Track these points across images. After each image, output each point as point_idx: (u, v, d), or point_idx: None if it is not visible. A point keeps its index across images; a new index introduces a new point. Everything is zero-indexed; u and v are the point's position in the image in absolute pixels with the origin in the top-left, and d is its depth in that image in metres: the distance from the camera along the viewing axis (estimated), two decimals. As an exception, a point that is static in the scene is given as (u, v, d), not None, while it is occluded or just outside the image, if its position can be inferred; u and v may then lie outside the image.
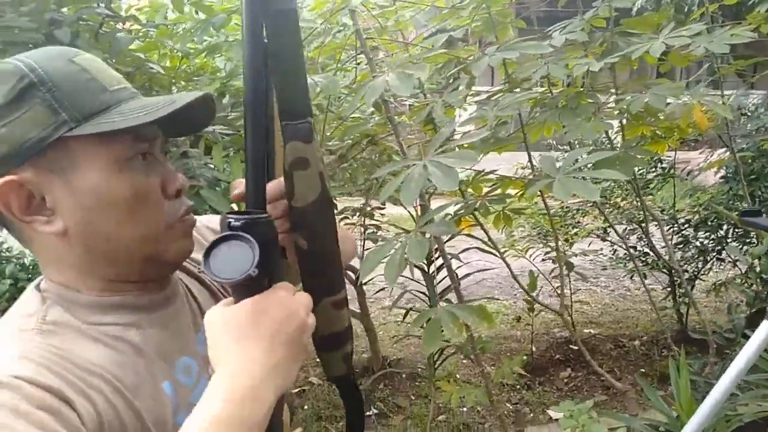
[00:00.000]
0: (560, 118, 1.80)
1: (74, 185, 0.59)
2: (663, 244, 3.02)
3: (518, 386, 2.90)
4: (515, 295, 4.34)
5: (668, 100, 1.66)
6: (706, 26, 1.60)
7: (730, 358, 1.50)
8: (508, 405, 2.77)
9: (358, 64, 1.73)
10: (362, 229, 2.90)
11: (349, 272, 2.68)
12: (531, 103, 1.97)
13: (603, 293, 4.44)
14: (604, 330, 3.61)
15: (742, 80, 3.40)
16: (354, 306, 3.04)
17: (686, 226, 3.04)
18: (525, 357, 2.89)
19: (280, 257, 0.60)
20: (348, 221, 2.70)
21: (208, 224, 0.83)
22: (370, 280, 2.66)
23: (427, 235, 1.12)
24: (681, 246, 3.13)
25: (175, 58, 1.83)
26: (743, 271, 2.96)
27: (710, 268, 3.25)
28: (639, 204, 3.22)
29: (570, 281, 3.47)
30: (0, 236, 1.04)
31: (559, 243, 3.27)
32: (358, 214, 2.67)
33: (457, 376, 2.95)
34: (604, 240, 3.51)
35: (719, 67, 2.19)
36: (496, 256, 1.93)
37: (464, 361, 3.05)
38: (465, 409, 2.65)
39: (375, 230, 2.88)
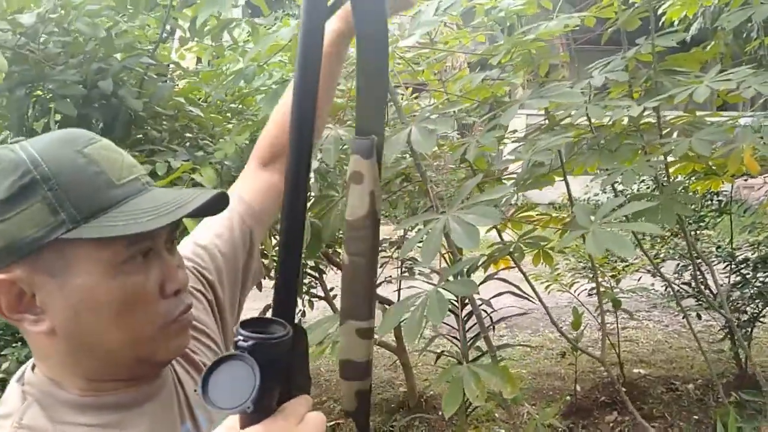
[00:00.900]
0: (600, 159, 1.74)
1: (65, 286, 0.57)
2: (720, 282, 2.86)
3: (560, 429, 2.78)
4: (563, 327, 4.20)
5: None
6: (754, 69, 1.51)
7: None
8: (549, 449, 2.66)
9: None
10: (399, 263, 2.89)
11: (385, 305, 2.67)
12: (573, 139, 1.92)
13: (656, 329, 4.23)
14: (656, 370, 3.43)
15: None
16: (390, 339, 3.01)
17: (744, 264, 2.86)
18: (561, 406, 2.77)
19: (297, 373, 0.54)
20: (384, 254, 2.69)
21: (198, 241, 0.81)
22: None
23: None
24: (740, 285, 2.94)
25: (217, 101, 1.89)
26: None
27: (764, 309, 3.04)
28: (695, 238, 3.06)
29: (618, 317, 3.33)
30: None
31: (605, 278, 3.14)
32: (395, 248, 2.66)
33: (496, 415, 2.86)
34: (654, 276, 3.34)
35: (774, 102, 2.07)
36: (531, 300, 1.87)
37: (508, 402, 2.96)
38: None
39: (413, 263, 2.85)
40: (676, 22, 2.51)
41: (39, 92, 1.66)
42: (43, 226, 0.55)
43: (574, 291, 3.17)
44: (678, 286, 3.28)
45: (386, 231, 3.56)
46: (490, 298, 1.94)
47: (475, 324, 1.73)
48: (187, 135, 1.86)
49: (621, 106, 1.57)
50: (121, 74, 1.61)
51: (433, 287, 1.11)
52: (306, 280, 2.82)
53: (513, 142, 2.10)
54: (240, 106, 1.94)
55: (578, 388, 3.11)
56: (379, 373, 3.51)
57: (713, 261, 3.02)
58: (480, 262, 1.84)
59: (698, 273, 2.97)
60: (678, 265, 3.14)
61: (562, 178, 1.97)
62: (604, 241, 1.24)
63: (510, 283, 1.91)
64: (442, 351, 2.36)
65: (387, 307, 2.70)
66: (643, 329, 4.20)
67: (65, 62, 1.55)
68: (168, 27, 1.93)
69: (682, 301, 3.14)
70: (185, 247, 0.81)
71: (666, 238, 3.28)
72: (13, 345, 1.97)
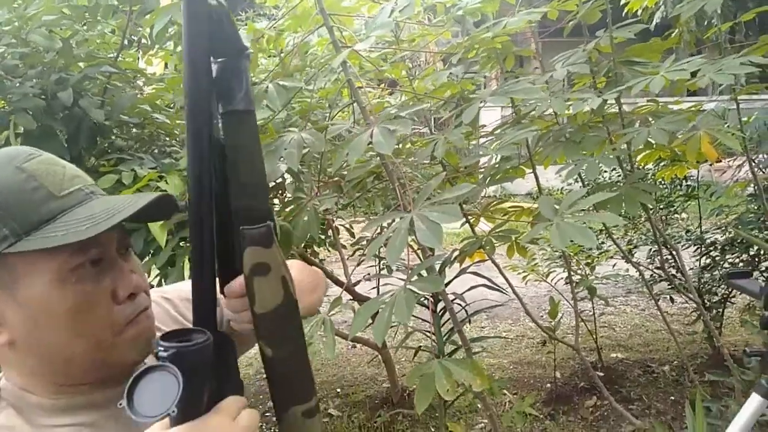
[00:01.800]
0: (564, 151, 1.77)
1: (18, 298, 0.58)
2: (691, 265, 2.92)
3: (541, 416, 2.83)
4: (542, 316, 4.26)
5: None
6: (706, 56, 1.55)
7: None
8: (531, 437, 2.70)
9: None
10: (377, 261, 2.90)
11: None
12: (540, 131, 1.94)
13: (632, 313, 4.31)
14: (633, 354, 3.50)
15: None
16: (371, 336, 3.02)
17: (713, 247, 2.93)
18: (541, 394, 2.82)
19: (223, 375, 0.58)
20: (362, 252, 2.70)
21: (186, 295, 0.80)
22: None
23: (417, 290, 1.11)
24: (710, 268, 3.01)
25: (179, 107, 1.87)
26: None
27: (733, 296, 3.12)
28: (665, 223, 3.13)
29: (594, 303, 3.38)
30: None
31: (580, 267, 3.20)
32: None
33: (479, 406, 2.89)
34: (628, 262, 3.41)
35: (735, 88, 2.12)
36: (504, 292, 1.89)
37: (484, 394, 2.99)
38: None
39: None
40: (639, 12, 2.55)
41: (-1, 105, 1.63)
42: None
43: (551, 280, 3.21)
44: (651, 271, 3.34)
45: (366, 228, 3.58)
46: (464, 292, 1.96)
47: (449, 319, 1.75)
48: (155, 143, 1.85)
49: (581, 99, 1.60)
50: (82, 84, 1.59)
51: (401, 286, 1.12)
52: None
53: (482, 136, 2.12)
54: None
55: (558, 375, 3.16)
56: (362, 370, 3.53)
57: (683, 245, 3.09)
58: (453, 257, 1.86)
59: (669, 257, 3.03)
60: (650, 250, 3.20)
61: (532, 171, 2.00)
62: (568, 233, 1.26)
63: (484, 277, 1.94)
64: (420, 346, 2.38)
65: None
66: (620, 315, 4.28)
67: (24, 74, 1.53)
68: (133, 36, 1.91)
69: (655, 286, 3.22)
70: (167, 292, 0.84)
71: (638, 225, 3.34)
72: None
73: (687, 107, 2.05)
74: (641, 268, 3.29)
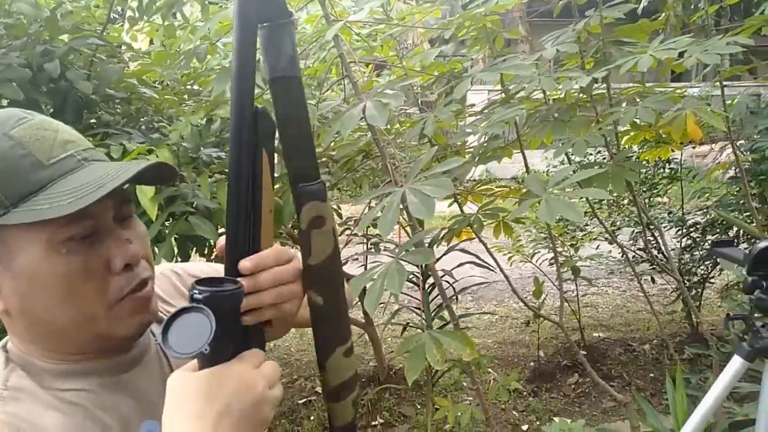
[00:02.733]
0: (553, 130, 1.78)
1: (11, 269, 0.57)
2: (672, 246, 2.98)
3: (525, 393, 2.89)
4: (526, 297, 4.32)
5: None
6: (693, 38, 1.57)
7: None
8: (515, 413, 2.76)
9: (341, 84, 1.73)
10: (365, 240, 2.91)
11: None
12: (528, 111, 1.96)
13: (614, 294, 4.39)
14: (614, 333, 3.57)
15: (753, 77, 3.34)
16: (358, 315, 3.05)
17: (694, 228, 2.99)
18: (524, 371, 2.87)
19: (247, 327, 0.58)
20: (350, 232, 2.71)
21: (195, 273, 0.81)
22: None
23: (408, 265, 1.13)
24: (690, 248, 3.08)
25: (171, 82, 1.85)
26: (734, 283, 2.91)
27: (722, 270, 3.20)
28: (647, 205, 3.18)
29: (578, 284, 3.44)
30: None
31: (565, 248, 3.24)
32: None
33: (464, 384, 2.94)
34: (611, 243, 3.47)
35: (719, 70, 2.15)
36: (492, 269, 1.92)
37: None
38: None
39: (378, 240, 2.88)
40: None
41: (-18, 77, 1.60)
42: None
43: (536, 261, 3.26)
44: (633, 252, 3.41)
45: (353, 210, 3.57)
46: (452, 269, 1.98)
47: (439, 295, 1.78)
48: (142, 118, 1.83)
49: (570, 78, 1.62)
50: (68, 56, 1.56)
51: (393, 258, 1.13)
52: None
53: (470, 116, 2.13)
54: (195, 87, 1.91)
55: (541, 354, 3.22)
56: (349, 350, 3.56)
57: (666, 226, 3.15)
58: (441, 235, 1.88)
59: (651, 238, 3.09)
60: (633, 231, 3.26)
61: (519, 151, 2.02)
62: (556, 208, 1.29)
63: (471, 254, 1.96)
64: (408, 323, 2.41)
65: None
66: (603, 295, 4.36)
67: (8, 45, 1.50)
68: (119, 8, 1.88)
69: (637, 266, 3.28)
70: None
71: (622, 207, 3.40)
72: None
73: (669, 91, 2.08)
74: (624, 248, 3.34)
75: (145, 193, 1.31)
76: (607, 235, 3.47)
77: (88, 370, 0.63)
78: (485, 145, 1.92)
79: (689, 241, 3.05)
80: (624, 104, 1.86)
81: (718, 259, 2.67)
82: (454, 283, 1.98)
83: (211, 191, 1.46)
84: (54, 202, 0.55)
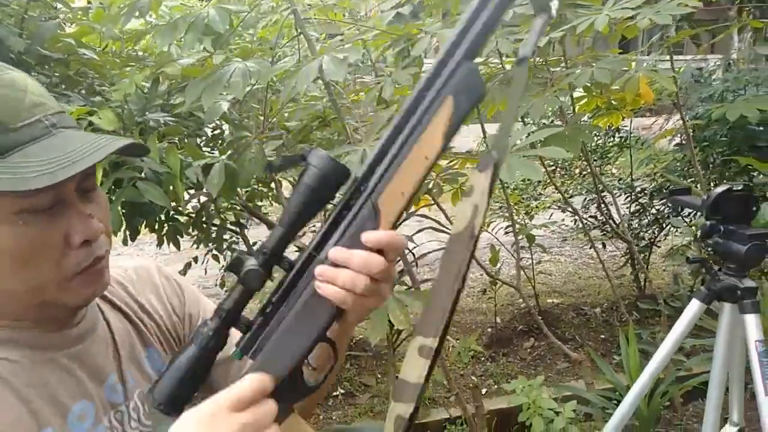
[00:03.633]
0: (509, 94, 1.78)
1: None
2: (622, 212, 3.08)
3: (483, 358, 2.95)
4: (477, 273, 4.40)
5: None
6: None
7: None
8: (473, 377, 2.82)
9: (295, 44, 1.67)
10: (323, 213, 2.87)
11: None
12: (485, 76, 1.95)
13: (567, 262, 4.52)
14: (567, 299, 3.68)
15: (697, 46, 3.44)
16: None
17: (642, 194, 3.09)
18: (482, 337, 2.92)
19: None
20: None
21: (171, 277, 0.81)
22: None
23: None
24: (638, 214, 3.18)
25: (108, 43, 1.74)
26: (686, 245, 3.04)
27: (667, 234, 3.33)
28: (600, 173, 3.26)
29: (532, 253, 3.52)
30: None
31: (520, 216, 3.30)
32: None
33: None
34: (564, 211, 3.55)
35: (667, 36, 2.20)
36: (450, 234, 1.92)
37: (430, 337, 3.08)
38: (430, 384, 2.69)
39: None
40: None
41: None
42: None
43: (492, 230, 3.30)
44: (585, 219, 3.51)
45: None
46: (412, 235, 1.98)
47: (398, 260, 1.77)
48: (83, 81, 1.72)
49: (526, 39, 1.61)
50: (-4, 11, 1.44)
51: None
52: (227, 236, 2.75)
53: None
54: (140, 52, 1.80)
55: (498, 320, 3.29)
56: (308, 323, 3.54)
57: (616, 193, 3.24)
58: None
59: (602, 205, 3.18)
60: (585, 199, 3.34)
61: (477, 118, 2.01)
62: (515, 167, 1.29)
63: (431, 219, 1.96)
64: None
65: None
66: (556, 263, 4.48)
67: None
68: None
69: (589, 233, 3.38)
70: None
71: (574, 177, 3.47)
72: None
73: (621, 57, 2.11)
74: (579, 214, 3.43)
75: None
76: (560, 204, 3.56)
77: (21, 340, 0.60)
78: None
79: (638, 207, 3.15)
80: (579, 68, 1.88)
81: (669, 217, 2.77)
82: (415, 247, 1.98)
83: (160, 156, 1.39)
84: (18, 172, 0.52)
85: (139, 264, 0.81)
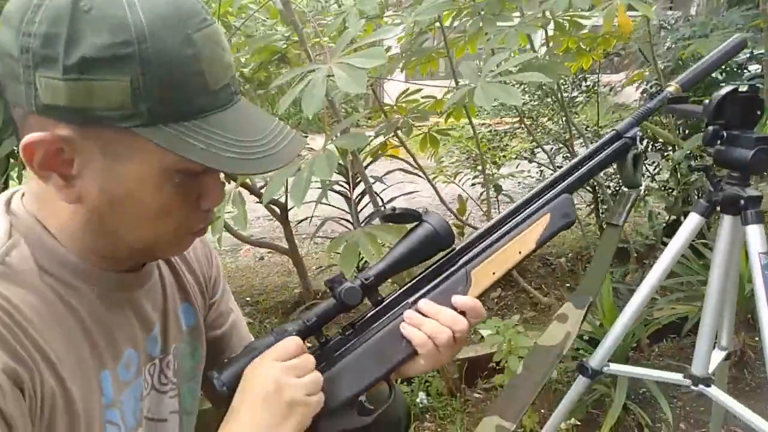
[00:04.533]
0: (482, 25, 1.68)
1: (113, 171, 0.52)
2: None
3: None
4: (449, 217, 4.36)
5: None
6: None
7: (649, 264, 1.51)
8: (442, 328, 2.80)
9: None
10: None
11: (274, 207, 2.55)
12: (454, 12, 1.84)
13: (531, 215, 4.53)
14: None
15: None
16: (282, 242, 2.92)
17: (609, 142, 3.07)
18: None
19: None
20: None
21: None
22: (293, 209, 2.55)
23: (337, 152, 1.01)
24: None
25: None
26: (664, 181, 3.06)
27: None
28: (565, 123, 3.22)
29: (499, 204, 3.49)
30: None
31: (487, 166, 3.25)
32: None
33: (391, 304, 2.93)
34: (531, 161, 3.52)
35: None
36: (422, 177, 1.85)
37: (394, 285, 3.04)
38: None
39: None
40: None
41: None
42: (117, 109, 0.49)
43: (459, 181, 3.25)
44: (551, 169, 3.49)
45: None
46: (383, 175, 1.89)
47: (368, 203, 1.68)
48: None
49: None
50: None
51: (323, 143, 1.01)
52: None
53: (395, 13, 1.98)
54: None
55: (465, 271, 3.27)
56: (272, 279, 3.45)
57: (581, 143, 3.22)
58: (369, 140, 1.76)
59: (568, 154, 3.16)
60: (551, 149, 3.31)
61: (446, 56, 1.91)
62: (492, 92, 1.21)
63: (401, 159, 1.87)
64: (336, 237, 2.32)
65: (276, 208, 2.58)
66: (521, 216, 4.49)
67: None
68: None
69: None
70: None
71: (540, 126, 3.43)
72: None
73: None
74: (543, 165, 3.41)
75: None
76: (527, 154, 3.52)
77: (94, 276, 0.58)
78: (412, 41, 1.79)
79: (604, 155, 3.14)
80: None
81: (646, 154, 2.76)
82: (383, 191, 1.89)
83: None
84: (211, 145, 0.51)
85: None
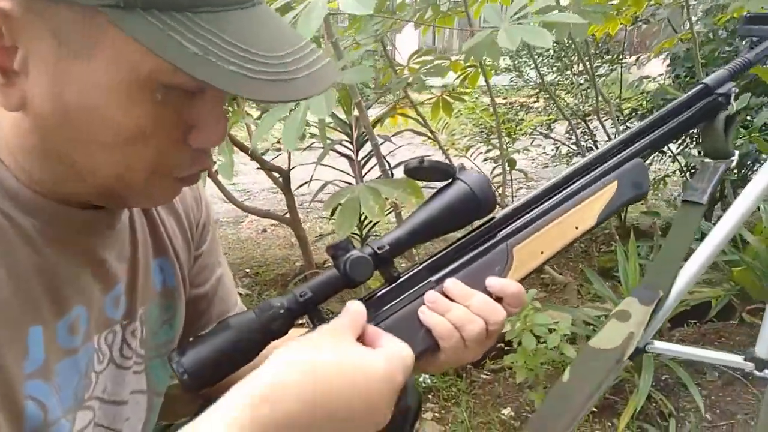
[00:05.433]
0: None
1: (65, 70, 0.39)
2: (606, 138, 2.91)
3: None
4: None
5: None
6: None
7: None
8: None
9: None
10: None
11: (274, 172, 2.42)
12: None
13: (545, 194, 4.40)
14: (545, 230, 3.56)
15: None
16: (283, 211, 2.80)
17: (631, 116, 2.91)
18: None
19: None
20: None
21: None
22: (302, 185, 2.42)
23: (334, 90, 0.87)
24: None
25: None
26: (684, 165, 2.91)
27: (651, 163, 3.19)
28: (584, 97, 3.06)
29: (512, 181, 3.35)
30: None
31: (503, 139, 3.10)
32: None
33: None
34: (547, 137, 3.37)
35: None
36: (433, 141, 1.71)
37: (402, 262, 2.92)
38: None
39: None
40: None
41: None
42: None
43: (471, 155, 3.12)
44: (567, 146, 3.34)
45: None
46: (392, 135, 1.75)
47: (375, 166, 1.55)
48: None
49: None
50: None
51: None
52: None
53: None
54: None
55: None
56: (273, 252, 3.34)
57: (604, 118, 3.06)
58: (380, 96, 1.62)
59: (587, 131, 3.00)
60: (573, 123, 3.16)
61: (463, 11, 1.76)
62: (518, 34, 1.07)
63: (411, 118, 1.73)
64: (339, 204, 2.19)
65: (275, 173, 2.45)
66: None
67: None
68: None
69: (572, 160, 3.21)
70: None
71: (561, 97, 3.28)
72: None
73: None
74: (558, 142, 3.25)
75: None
76: (543, 129, 3.37)
77: (40, 210, 0.45)
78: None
79: (625, 130, 2.98)
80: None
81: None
82: (391, 152, 1.75)
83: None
84: (209, 51, 0.37)
85: None
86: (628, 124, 3.00)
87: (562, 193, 0.55)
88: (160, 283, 0.59)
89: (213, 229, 0.67)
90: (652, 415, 1.45)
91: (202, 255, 0.65)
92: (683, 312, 1.92)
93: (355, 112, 1.38)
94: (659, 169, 3.26)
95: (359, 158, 1.74)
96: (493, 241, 0.53)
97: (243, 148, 2.22)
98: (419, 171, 0.51)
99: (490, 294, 0.51)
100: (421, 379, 1.78)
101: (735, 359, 0.74)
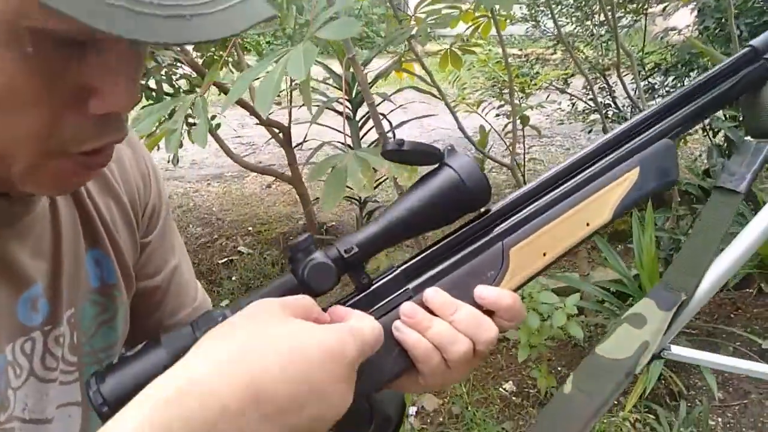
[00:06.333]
0: None
1: None
2: (625, 95, 2.75)
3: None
4: (467, 153, 4.10)
5: None
6: None
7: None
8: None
9: None
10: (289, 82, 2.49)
11: (273, 128, 2.32)
12: None
13: (557, 152, 4.25)
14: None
15: None
16: (286, 170, 2.72)
17: (654, 71, 2.74)
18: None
19: None
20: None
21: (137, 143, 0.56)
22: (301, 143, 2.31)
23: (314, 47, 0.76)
24: (647, 94, 2.85)
25: None
26: (705, 124, 2.75)
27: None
28: (605, 49, 2.88)
29: (524, 138, 3.22)
30: None
31: (515, 95, 2.95)
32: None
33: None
34: (563, 92, 3.20)
35: None
36: (438, 99, 1.59)
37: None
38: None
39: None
40: None
41: None
42: None
43: (482, 110, 2.97)
44: (585, 102, 3.17)
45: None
46: (391, 94, 1.63)
47: (371, 129, 1.44)
48: None
49: None
50: None
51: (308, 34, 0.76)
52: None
53: None
54: None
55: (484, 210, 3.06)
56: (277, 209, 3.28)
57: (624, 72, 2.89)
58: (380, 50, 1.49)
59: (605, 86, 2.83)
60: (593, 77, 3.00)
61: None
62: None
63: (415, 74, 1.60)
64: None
65: (275, 129, 2.35)
66: (546, 152, 4.22)
67: None
68: None
69: (588, 116, 3.06)
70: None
71: (579, 49, 3.09)
72: None
73: None
74: (574, 97, 3.09)
75: None
76: (559, 84, 3.20)
77: None
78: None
79: (647, 87, 2.81)
80: None
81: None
82: (392, 111, 1.64)
83: None
84: None
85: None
86: (650, 80, 2.83)
87: (570, 182, 0.46)
88: (97, 278, 0.50)
89: (166, 211, 0.58)
90: (662, 395, 1.39)
91: (150, 243, 0.56)
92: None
93: (352, 69, 1.26)
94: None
95: (359, 117, 1.62)
96: (485, 240, 0.45)
97: (244, 105, 2.12)
98: (398, 154, 0.42)
99: (479, 306, 0.42)
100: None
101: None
